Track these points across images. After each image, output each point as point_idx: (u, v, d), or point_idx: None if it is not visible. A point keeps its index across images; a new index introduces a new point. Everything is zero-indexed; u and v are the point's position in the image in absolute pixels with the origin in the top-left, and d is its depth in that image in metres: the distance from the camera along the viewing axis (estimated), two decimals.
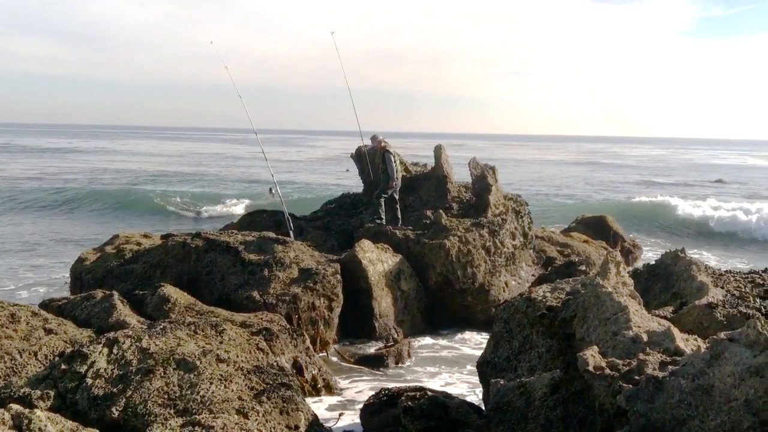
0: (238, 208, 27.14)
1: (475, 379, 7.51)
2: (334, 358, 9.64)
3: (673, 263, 7.25)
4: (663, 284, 7.28)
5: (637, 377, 4.23)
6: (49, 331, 7.00)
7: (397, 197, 13.41)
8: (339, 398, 8.04)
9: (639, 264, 15.45)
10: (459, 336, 11.28)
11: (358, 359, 9.61)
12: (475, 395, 7.90)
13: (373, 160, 14.11)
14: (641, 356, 4.45)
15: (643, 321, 5.06)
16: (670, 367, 4.26)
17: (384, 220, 12.95)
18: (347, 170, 13.73)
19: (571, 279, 7.06)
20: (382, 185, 13.35)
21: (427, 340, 10.98)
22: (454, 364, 9.77)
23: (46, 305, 8.59)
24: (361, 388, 8.50)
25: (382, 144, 13.58)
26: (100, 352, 5.89)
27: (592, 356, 4.49)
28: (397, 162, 13.50)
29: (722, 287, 6.64)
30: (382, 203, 13.19)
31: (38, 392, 5.59)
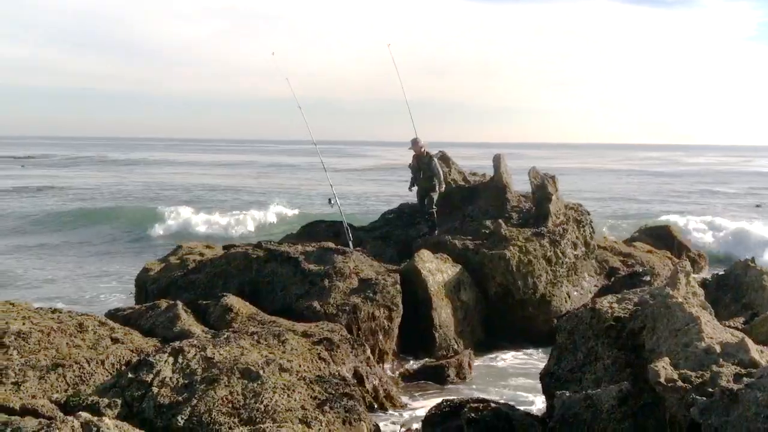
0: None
1: (538, 391, 7.41)
2: (394, 373, 9.59)
3: (743, 273, 7.06)
4: (733, 295, 7.09)
5: (710, 389, 4.11)
6: (115, 341, 7.13)
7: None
8: (400, 410, 7.99)
9: (705, 274, 15.07)
10: (520, 347, 11.12)
11: (418, 370, 9.56)
12: (537, 407, 7.78)
13: (418, 166, 13.52)
14: (715, 368, 4.32)
15: (715, 332, 4.92)
16: (745, 379, 4.13)
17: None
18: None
19: (638, 289, 6.91)
20: (432, 193, 13.18)
21: (488, 351, 10.88)
22: (515, 376, 9.64)
23: (112, 315, 8.77)
24: (422, 401, 8.44)
25: (424, 150, 13.28)
26: (165, 361, 5.98)
27: (663, 368, 4.38)
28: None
29: None
30: (434, 212, 13.08)
31: (106, 401, 5.69)
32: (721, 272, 7.34)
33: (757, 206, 46.39)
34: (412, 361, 9.98)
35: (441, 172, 13.18)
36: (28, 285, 15.83)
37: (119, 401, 5.62)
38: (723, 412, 3.90)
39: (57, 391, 6.02)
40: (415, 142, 13.47)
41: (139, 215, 28.20)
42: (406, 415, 7.85)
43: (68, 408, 5.69)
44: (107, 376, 6.30)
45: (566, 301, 11.88)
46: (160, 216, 26.93)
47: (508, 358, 10.60)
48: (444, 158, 15.00)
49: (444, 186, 13.29)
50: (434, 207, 13.04)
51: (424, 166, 13.25)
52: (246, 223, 26.61)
